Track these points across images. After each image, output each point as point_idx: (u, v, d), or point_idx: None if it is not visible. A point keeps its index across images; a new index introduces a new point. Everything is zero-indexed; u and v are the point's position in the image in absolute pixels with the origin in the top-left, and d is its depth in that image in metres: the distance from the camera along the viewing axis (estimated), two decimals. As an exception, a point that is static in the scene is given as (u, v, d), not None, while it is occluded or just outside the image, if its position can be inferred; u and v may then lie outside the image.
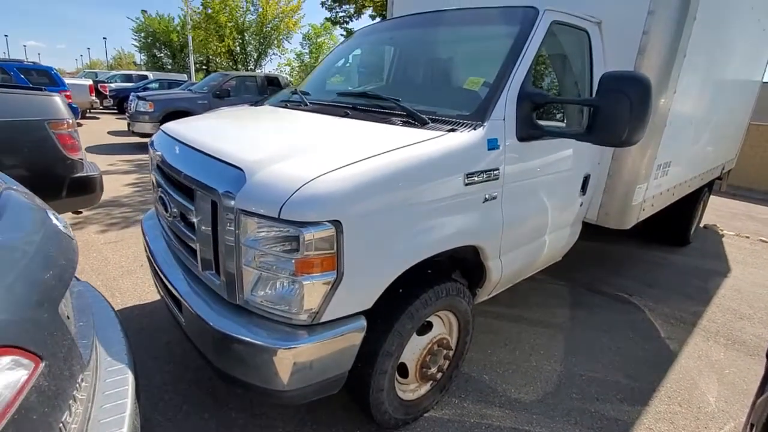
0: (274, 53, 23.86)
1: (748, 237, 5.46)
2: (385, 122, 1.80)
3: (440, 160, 1.55)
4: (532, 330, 2.74)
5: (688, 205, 4.29)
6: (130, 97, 9.07)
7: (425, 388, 1.90)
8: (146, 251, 2.10)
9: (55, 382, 0.71)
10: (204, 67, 30.36)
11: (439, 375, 1.89)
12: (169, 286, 1.69)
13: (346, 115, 1.95)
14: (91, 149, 8.30)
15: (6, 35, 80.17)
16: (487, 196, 1.76)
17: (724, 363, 2.57)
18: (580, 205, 2.52)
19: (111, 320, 1.27)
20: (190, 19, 21.43)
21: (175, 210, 1.71)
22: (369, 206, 1.35)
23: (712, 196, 5.28)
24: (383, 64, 2.82)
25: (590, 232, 2.69)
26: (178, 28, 30.96)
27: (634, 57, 2.31)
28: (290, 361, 1.35)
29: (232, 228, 1.34)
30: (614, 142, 1.68)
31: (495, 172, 1.75)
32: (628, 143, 1.65)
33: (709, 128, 3.70)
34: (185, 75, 24.43)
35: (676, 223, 4.46)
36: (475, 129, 1.69)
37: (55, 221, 1.00)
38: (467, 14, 2.27)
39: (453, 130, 1.68)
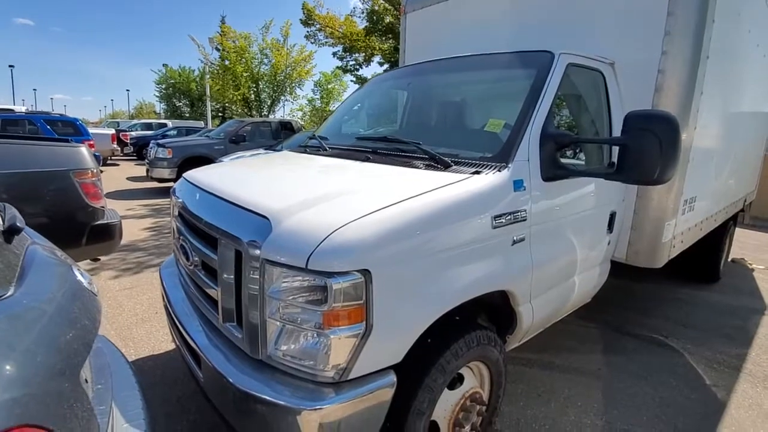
0: (286, 99, 24.89)
1: (780, 271, 5.21)
2: (408, 166, 1.79)
3: (467, 203, 1.51)
4: (565, 378, 2.56)
5: (716, 239, 4.14)
6: (150, 144, 9.43)
7: (457, 448, 1.75)
8: (164, 300, 2.05)
9: (70, 460, 0.64)
10: (220, 114, 31.72)
11: (473, 433, 1.74)
12: (188, 338, 1.62)
13: (367, 160, 1.95)
14: (110, 195, 8.52)
15: (35, 89, 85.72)
16: (515, 238, 1.70)
17: (780, 414, 2.35)
18: (608, 244, 2.44)
19: (128, 380, 1.20)
20: (209, 70, 22.65)
21: (196, 259, 1.68)
22: (398, 253, 1.30)
23: (739, 228, 5.11)
24: (400, 109, 2.87)
25: (614, 270, 2.58)
26: (198, 78, 32.77)
27: (651, 95, 2.31)
28: (316, 423, 1.25)
29: (257, 278, 1.29)
30: (646, 181, 1.63)
31: (522, 213, 1.70)
32: (660, 181, 1.60)
33: (730, 161, 3.64)
34: (202, 122, 25.53)
35: (705, 259, 4.29)
36: (500, 170, 1.66)
37: (79, 277, 0.97)
38: (484, 59, 2.32)
39: (477, 172, 1.65)
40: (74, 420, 0.68)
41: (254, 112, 23.49)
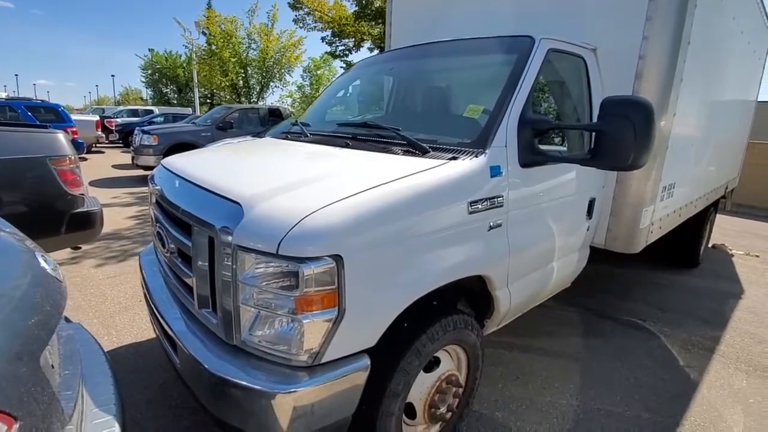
0: (276, 86, 24.51)
1: (758, 256, 5.35)
2: (386, 152, 1.79)
3: (443, 188, 1.51)
4: (544, 361, 2.63)
5: (696, 225, 4.23)
6: (135, 131, 9.24)
7: (434, 429, 1.79)
8: (143, 288, 2.04)
9: (30, 443, 0.64)
10: (208, 100, 31.12)
11: (449, 414, 1.78)
12: (165, 325, 1.62)
13: (346, 146, 1.94)
14: (95, 183, 8.38)
15: (16, 74, 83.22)
16: (492, 224, 1.71)
17: (747, 392, 2.44)
18: (587, 230, 2.47)
19: (101, 367, 1.20)
20: (195, 56, 22.15)
21: (172, 246, 1.67)
22: (371, 239, 1.30)
23: (722, 215, 5.19)
24: (383, 94, 2.85)
25: (596, 255, 2.62)
26: (184, 64, 32.01)
27: (632, 81, 2.32)
28: (290, 406, 1.26)
29: (230, 264, 1.29)
30: (620, 167, 1.66)
31: (499, 199, 1.72)
32: (633, 167, 1.62)
33: (710, 148, 3.69)
34: (190, 109, 25.05)
35: (685, 245, 4.39)
36: (477, 156, 1.66)
37: (43, 264, 0.96)
38: (465, 44, 2.30)
39: (455, 158, 1.65)
40: (33, 403, 0.68)
41: (243, 99, 23.12)
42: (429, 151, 1.71)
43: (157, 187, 1.92)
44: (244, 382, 1.27)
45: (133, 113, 20.58)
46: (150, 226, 5.39)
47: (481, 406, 2.16)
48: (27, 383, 0.68)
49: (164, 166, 2.07)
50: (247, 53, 22.07)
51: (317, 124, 2.57)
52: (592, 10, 2.47)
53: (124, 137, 16.12)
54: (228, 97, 23.75)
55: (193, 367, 1.41)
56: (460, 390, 1.81)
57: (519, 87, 1.84)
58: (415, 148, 1.74)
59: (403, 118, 2.46)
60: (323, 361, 1.29)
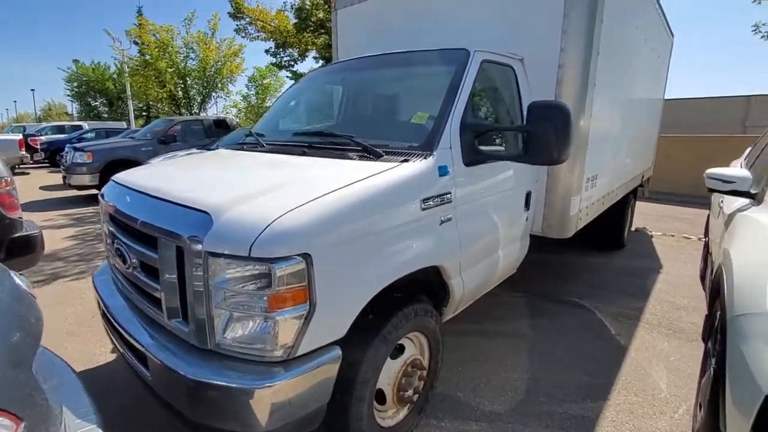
0: (218, 96, 23.71)
1: (673, 235, 6.09)
2: (343, 158, 1.92)
3: (398, 188, 1.67)
4: (497, 342, 2.87)
5: (619, 211, 4.76)
6: (65, 149, 8.59)
7: (403, 412, 1.93)
8: (101, 308, 2.00)
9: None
10: (144, 113, 29.38)
11: (416, 397, 1.93)
12: (132, 342, 1.62)
13: (303, 154, 2.04)
14: (24, 206, 7.64)
15: None
16: (443, 219, 1.89)
17: (668, 351, 2.83)
18: (526, 220, 2.75)
19: (74, 383, 1.21)
20: (127, 67, 20.88)
21: (134, 260, 1.68)
22: (336, 237, 1.42)
23: (639, 202, 5.85)
24: (334, 103, 2.98)
25: (537, 245, 2.92)
26: (115, 75, 29.99)
27: (554, 87, 2.64)
28: (269, 400, 1.34)
29: (201, 272, 1.35)
30: (547, 161, 1.91)
31: (448, 195, 1.91)
32: (558, 161, 1.88)
33: (625, 143, 4.20)
34: (124, 123, 23.50)
35: (610, 230, 4.91)
36: (426, 158, 1.84)
37: (18, 281, 0.97)
38: (410, 56, 2.50)
39: (406, 160, 1.82)
40: (34, 406, 0.72)
41: (184, 110, 22.10)
42: (383, 155, 1.86)
43: (110, 204, 1.90)
44: (222, 383, 1.34)
45: (60, 130, 18.95)
46: (90, 247, 5.09)
47: (445, 387, 2.34)
48: (26, 388, 0.72)
49: (117, 182, 2.05)
50: (186, 63, 21.16)
51: (271, 134, 2.64)
52: (519, 24, 2.78)
53: (51, 156, 14.85)
54: (167, 109, 22.57)
55: (167, 376, 1.44)
56: (425, 372, 1.97)
57: (458, 94, 2.06)
58: (369, 153, 1.89)
59: (354, 125, 2.61)
60: (297, 354, 1.38)
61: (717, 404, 1.51)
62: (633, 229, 6.08)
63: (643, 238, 5.91)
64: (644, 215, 7.30)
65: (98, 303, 2.05)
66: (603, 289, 3.87)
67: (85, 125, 19.54)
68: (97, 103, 33.65)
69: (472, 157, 2.03)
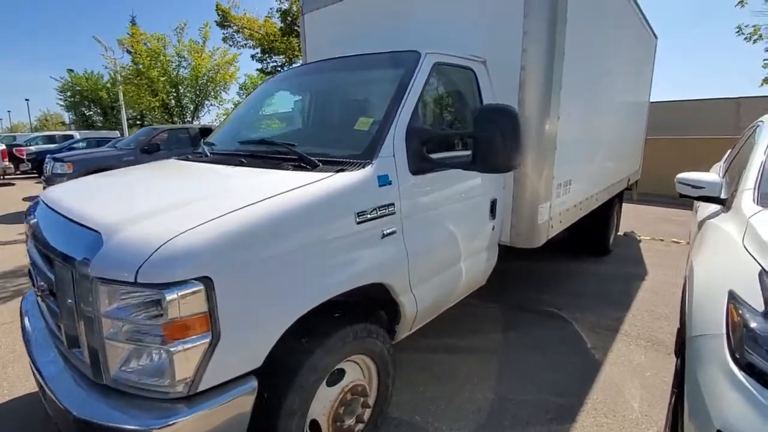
0: (212, 104, 23.61)
1: (662, 240, 5.95)
2: (277, 168, 1.79)
3: (325, 201, 1.53)
4: (465, 359, 2.72)
5: (603, 216, 4.63)
6: (46, 159, 8.46)
7: (347, 442, 1.78)
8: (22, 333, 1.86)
9: None
10: (138, 122, 29.31)
11: (360, 426, 1.78)
12: (35, 370, 1.48)
13: (241, 164, 1.92)
14: (2, 218, 7.53)
15: None
16: (385, 232, 1.76)
17: (645, 366, 2.68)
18: (492, 229, 2.61)
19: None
20: (120, 76, 20.83)
21: (42, 284, 1.54)
22: (246, 257, 1.29)
23: (633, 204, 5.67)
24: (288, 110, 2.85)
25: (517, 251, 2.77)
26: (108, 84, 29.94)
27: (517, 90, 2.51)
28: (169, 442, 1.20)
29: (91, 299, 1.21)
30: (496, 169, 1.78)
31: (390, 207, 1.77)
32: (507, 168, 1.76)
33: (604, 146, 4.08)
34: (117, 132, 23.38)
35: (595, 235, 4.78)
36: (364, 167, 1.71)
37: None
38: (359, 60, 2.38)
39: (342, 170, 1.69)
40: None
41: (176, 119, 22.01)
42: (318, 165, 1.73)
43: (33, 221, 1.77)
44: (113, 423, 1.19)
45: (50, 140, 18.83)
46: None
47: (401, 411, 2.18)
48: None
49: (41, 198, 1.91)
50: (178, 71, 21.10)
51: (223, 143, 2.51)
52: (481, 25, 2.66)
53: (39, 166, 14.68)
54: (160, 117, 22.48)
55: (60, 412, 1.30)
56: (370, 399, 1.83)
57: (405, 99, 1.93)
58: (305, 163, 1.75)
59: (302, 133, 2.48)
60: (202, 389, 1.24)
61: (677, 428, 1.38)
62: (621, 233, 5.95)
63: (631, 243, 5.77)
64: (637, 217, 7.18)
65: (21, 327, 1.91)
66: (583, 298, 3.72)
67: (77, 135, 19.43)
68: (91, 112, 33.60)
69: (420, 165, 1.90)
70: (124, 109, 21.81)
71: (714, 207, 2.21)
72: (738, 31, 9.84)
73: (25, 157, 14.58)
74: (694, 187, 2.21)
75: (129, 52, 20.79)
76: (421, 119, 2.01)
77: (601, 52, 3.59)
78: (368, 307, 1.99)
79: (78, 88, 31.65)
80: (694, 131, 11.25)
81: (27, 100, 60.75)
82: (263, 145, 2.09)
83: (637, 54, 5.09)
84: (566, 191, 3.09)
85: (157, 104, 21.27)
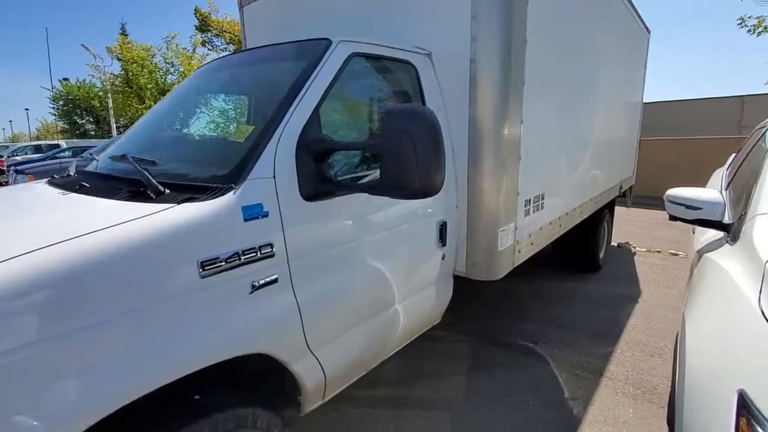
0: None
1: (659, 251, 5.43)
2: (111, 196, 1.31)
3: (147, 247, 1.05)
4: (414, 415, 2.23)
5: (591, 230, 4.13)
6: (9, 171, 8.04)
7: None
8: None
9: None
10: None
11: None
12: None
13: (76, 190, 1.44)
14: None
15: None
16: (256, 283, 1.27)
17: (632, 425, 2.18)
18: (443, 258, 2.13)
19: None
20: (109, 84, 20.55)
21: None
22: (13, 335, 0.81)
23: (632, 209, 5.12)
24: (180, 116, 2.35)
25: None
26: (100, 93, 29.66)
27: (467, 89, 2.04)
28: None
29: None
30: (408, 194, 1.29)
31: (266, 248, 1.29)
32: (424, 194, 1.27)
33: (589, 153, 3.58)
34: (108, 140, 23.01)
35: (583, 251, 4.29)
36: (222, 195, 1.23)
37: None
38: (263, 52, 1.91)
39: (190, 199, 1.21)
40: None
41: (166, 126, 21.66)
42: (163, 192, 1.25)
43: None
44: None
45: (38, 149, 18.47)
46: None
47: (311, 505, 1.69)
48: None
49: None
50: (166, 78, 20.79)
51: (104, 158, 2.03)
52: (425, 10, 2.19)
53: (19, 177, 14.31)
54: (149, 124, 22.15)
55: None
56: None
57: (299, 100, 1.45)
58: (149, 188, 1.27)
59: (177, 145, 1.93)
60: None
61: None
62: (614, 244, 5.45)
63: (624, 256, 5.25)
64: (637, 222, 6.71)
65: None
66: (564, 328, 3.21)
67: (64, 143, 19.05)
68: (83, 121, 33.31)
69: (316, 188, 1.42)
70: (113, 117, 21.49)
71: (714, 233, 1.72)
72: (740, 23, 9.31)
73: (5, 167, 14.20)
74: (688, 207, 1.72)
75: (119, 59, 20.53)
76: (324, 128, 1.53)
77: (578, 43, 3.10)
78: (246, 381, 1.51)
79: (70, 96, 31.38)
80: (695, 131, 10.76)
81: (27, 109, 60.53)
82: (122, 162, 1.61)
83: (627, 49, 4.60)
84: (538, 208, 2.59)
85: (144, 111, 20.95)
